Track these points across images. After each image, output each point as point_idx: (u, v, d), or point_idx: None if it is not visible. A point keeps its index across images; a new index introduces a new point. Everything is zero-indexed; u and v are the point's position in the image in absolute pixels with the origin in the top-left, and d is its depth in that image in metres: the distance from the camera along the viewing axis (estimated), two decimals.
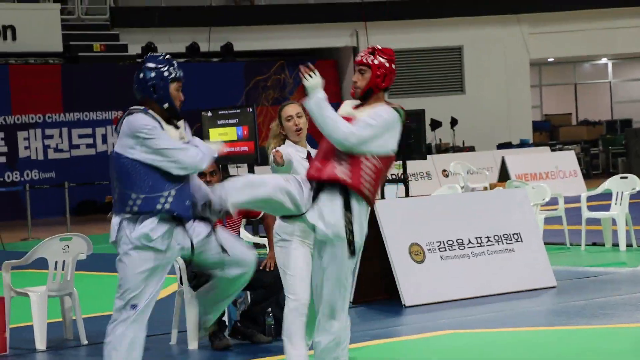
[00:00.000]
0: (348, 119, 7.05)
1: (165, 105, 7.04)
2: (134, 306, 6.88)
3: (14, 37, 28.65)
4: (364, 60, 7.34)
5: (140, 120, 6.93)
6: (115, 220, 7.08)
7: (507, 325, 10.24)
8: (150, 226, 6.88)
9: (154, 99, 7.05)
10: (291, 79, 33.40)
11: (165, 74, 7.11)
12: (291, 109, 8.46)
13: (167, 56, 7.30)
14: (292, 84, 33.38)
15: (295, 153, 8.28)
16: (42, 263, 10.48)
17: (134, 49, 30.66)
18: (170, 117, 7.08)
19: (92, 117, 29.71)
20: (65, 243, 10.42)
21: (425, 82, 34.07)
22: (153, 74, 7.09)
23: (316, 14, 32.94)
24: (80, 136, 29.57)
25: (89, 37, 30.51)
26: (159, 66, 7.16)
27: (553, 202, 16.35)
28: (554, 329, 10.03)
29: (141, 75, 7.13)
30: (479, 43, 33.68)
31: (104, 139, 29.88)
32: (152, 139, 6.88)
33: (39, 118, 28.97)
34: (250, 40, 32.28)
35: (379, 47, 7.39)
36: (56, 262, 10.36)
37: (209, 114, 20.50)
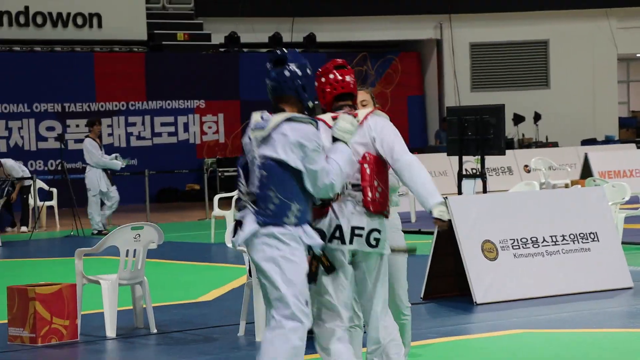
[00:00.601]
0: None
1: (311, 104, 6.82)
2: (307, 302, 6.69)
3: (99, 25, 28.96)
4: None
5: (312, 130, 6.67)
6: (251, 221, 6.73)
7: (580, 326, 10.13)
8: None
9: (303, 98, 6.75)
10: (373, 70, 33.28)
11: (310, 72, 6.84)
12: (358, 95, 7.63)
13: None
14: (374, 76, 33.20)
15: None
16: (114, 251, 10.55)
17: (217, 39, 30.88)
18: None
19: (174, 106, 29.89)
20: (136, 232, 10.48)
21: (510, 76, 33.79)
22: (301, 72, 6.75)
23: (400, 6, 32.78)
24: (163, 124, 29.74)
25: (173, 26, 30.70)
26: (305, 63, 6.85)
27: (635, 200, 16.14)
28: (629, 331, 9.92)
29: (287, 73, 6.73)
30: (566, 37, 33.32)
31: (186, 128, 30.05)
32: (318, 153, 6.66)
33: (122, 106, 29.21)
34: (333, 31, 32.32)
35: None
36: (127, 251, 10.41)
37: None
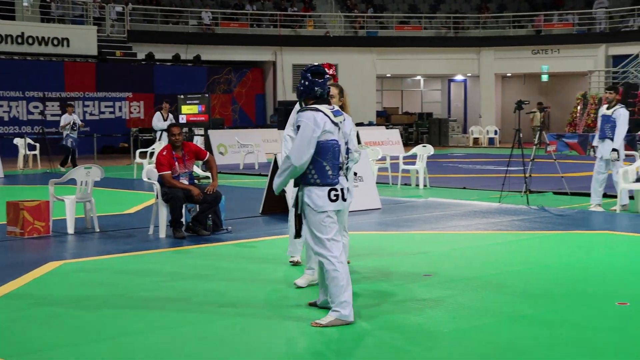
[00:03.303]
0: None
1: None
2: None
3: (68, 45, 27.91)
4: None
5: None
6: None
7: (352, 229, 10.19)
8: None
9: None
10: (234, 78, 33.10)
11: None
12: (330, 90, 6.23)
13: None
14: (235, 82, 33.10)
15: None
16: (73, 181, 10.26)
17: (141, 55, 30.27)
18: None
19: (113, 96, 29.07)
20: (87, 170, 10.21)
21: None
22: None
23: (252, 40, 32.57)
24: (106, 107, 29.01)
25: (114, 47, 29.85)
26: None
27: (383, 158, 16.41)
28: (378, 233, 10.04)
29: (326, 83, 5.61)
30: (348, 63, 33.63)
31: (120, 109, 29.29)
32: None
33: (81, 95, 28.27)
34: (212, 54, 31.91)
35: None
36: (82, 182, 10.15)
37: (182, 96, 20.31)
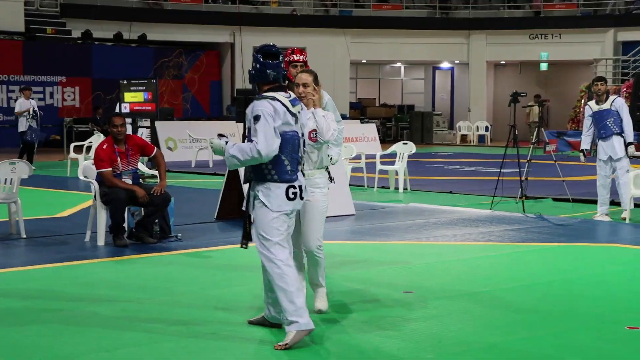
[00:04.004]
0: None
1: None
2: None
3: None
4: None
5: None
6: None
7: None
8: None
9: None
10: (186, 62, 33.00)
11: None
12: (303, 77, 6.33)
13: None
14: (186, 66, 33.01)
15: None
16: None
17: (76, 34, 30.14)
18: None
19: (43, 80, 28.86)
20: (12, 166, 10.14)
21: None
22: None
23: (206, 17, 32.52)
24: (35, 92, 28.51)
25: (44, 23, 29.69)
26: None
27: (358, 157, 16.47)
28: (351, 242, 10.07)
29: (282, 66, 5.66)
30: (318, 46, 33.71)
31: (51, 95, 29.15)
32: None
33: (5, 78, 28.04)
34: (159, 33, 31.76)
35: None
36: (5, 179, 10.07)
37: (125, 82, 20.16)
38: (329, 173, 6.71)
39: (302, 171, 5.74)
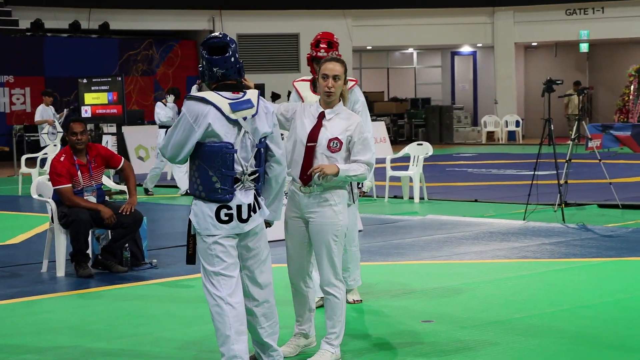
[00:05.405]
0: None
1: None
2: None
3: None
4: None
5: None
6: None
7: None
8: None
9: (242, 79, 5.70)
10: (157, 54, 33.06)
11: None
12: (330, 67, 5.83)
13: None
14: (158, 59, 33.07)
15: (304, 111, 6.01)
16: None
17: (24, 24, 30.08)
18: None
19: None
20: None
21: (268, 62, 33.76)
22: (238, 55, 5.63)
23: (180, 1, 32.57)
24: None
25: None
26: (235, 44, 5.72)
27: None
28: (364, 264, 10.04)
29: (232, 59, 5.56)
30: (312, 31, 33.63)
31: None
32: None
33: None
34: (125, 20, 31.78)
35: None
36: None
37: (84, 81, 20.21)
38: (351, 190, 6.59)
39: (255, 189, 5.53)
